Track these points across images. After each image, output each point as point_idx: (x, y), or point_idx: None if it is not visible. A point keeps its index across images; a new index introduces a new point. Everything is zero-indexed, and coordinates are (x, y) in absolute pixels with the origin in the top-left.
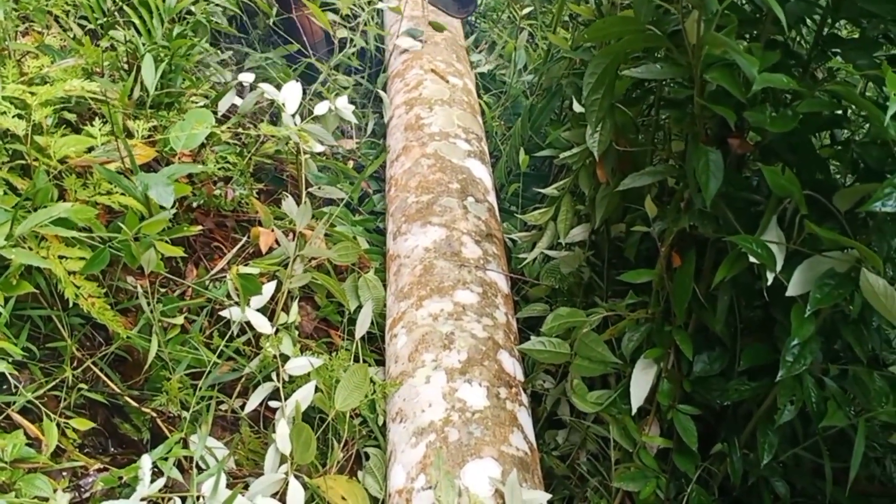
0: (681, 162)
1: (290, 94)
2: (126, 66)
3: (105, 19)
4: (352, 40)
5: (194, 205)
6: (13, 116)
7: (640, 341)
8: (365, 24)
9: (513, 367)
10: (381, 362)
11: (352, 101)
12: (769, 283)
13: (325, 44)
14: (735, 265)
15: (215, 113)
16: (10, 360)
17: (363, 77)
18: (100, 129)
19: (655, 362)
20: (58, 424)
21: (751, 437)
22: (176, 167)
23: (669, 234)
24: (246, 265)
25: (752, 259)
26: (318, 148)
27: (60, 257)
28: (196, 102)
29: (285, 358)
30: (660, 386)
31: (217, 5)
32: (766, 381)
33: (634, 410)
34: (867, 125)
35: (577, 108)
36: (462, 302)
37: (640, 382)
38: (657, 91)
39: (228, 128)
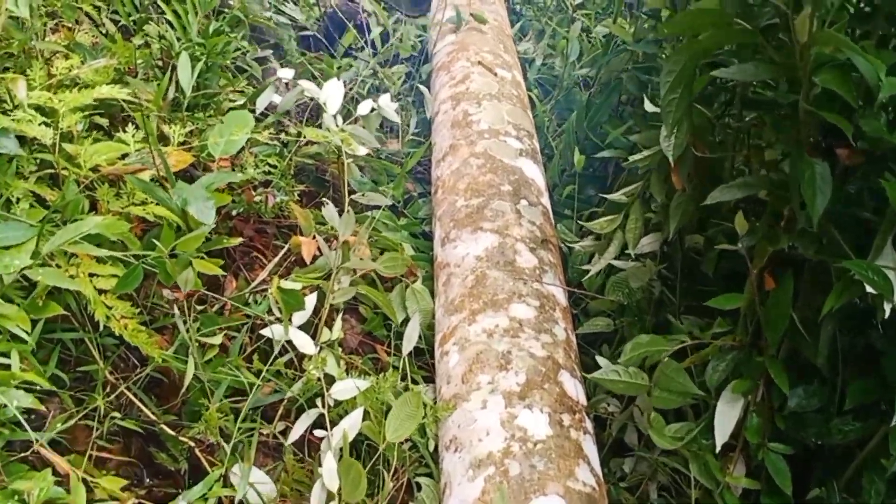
0: (775, 173)
1: (332, 93)
2: (160, 65)
3: (138, 15)
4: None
5: (233, 212)
6: (39, 124)
7: (726, 372)
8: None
9: (575, 389)
10: (428, 379)
11: (394, 98)
12: (887, 315)
13: None
14: (845, 293)
15: (253, 111)
16: (38, 388)
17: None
18: (133, 135)
19: (743, 395)
20: (90, 457)
21: (851, 480)
22: (215, 176)
23: (762, 253)
24: (287, 277)
25: (868, 288)
26: (361, 151)
27: (91, 275)
28: (234, 100)
29: (330, 379)
30: (747, 421)
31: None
32: (874, 421)
33: (719, 447)
34: None
35: (648, 107)
36: (518, 317)
37: (726, 417)
38: (739, 90)
39: (266, 127)
